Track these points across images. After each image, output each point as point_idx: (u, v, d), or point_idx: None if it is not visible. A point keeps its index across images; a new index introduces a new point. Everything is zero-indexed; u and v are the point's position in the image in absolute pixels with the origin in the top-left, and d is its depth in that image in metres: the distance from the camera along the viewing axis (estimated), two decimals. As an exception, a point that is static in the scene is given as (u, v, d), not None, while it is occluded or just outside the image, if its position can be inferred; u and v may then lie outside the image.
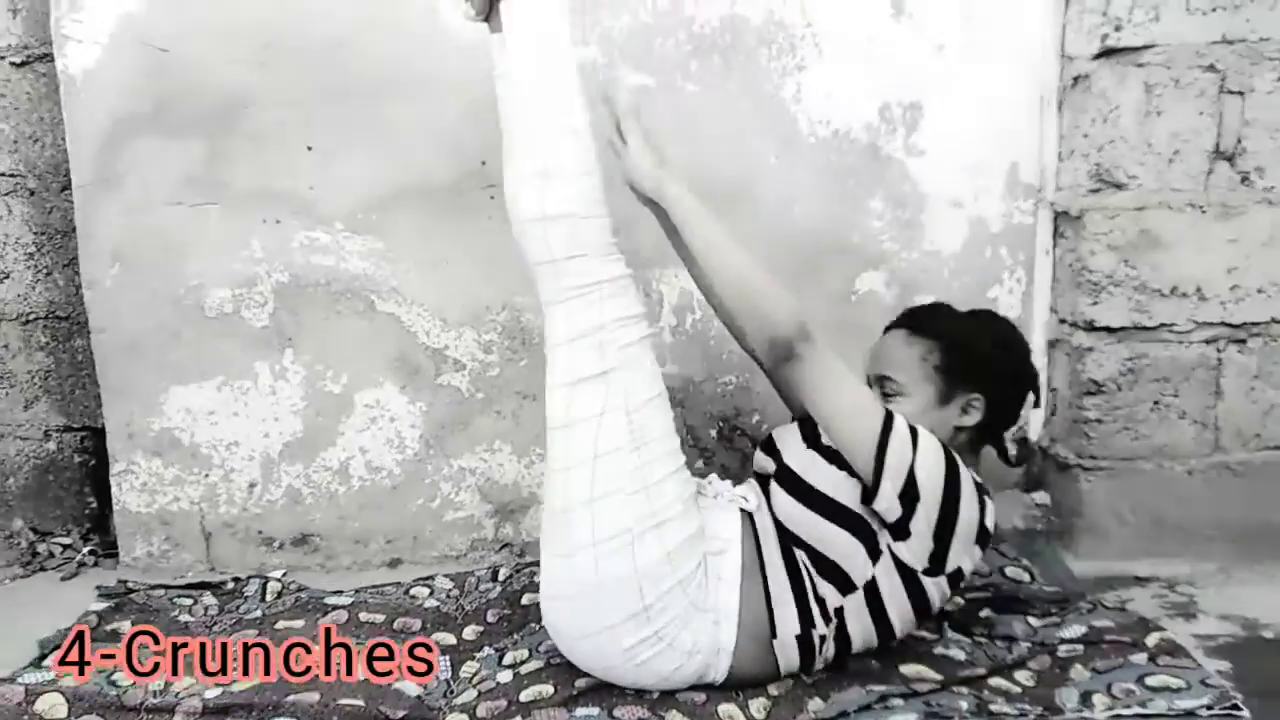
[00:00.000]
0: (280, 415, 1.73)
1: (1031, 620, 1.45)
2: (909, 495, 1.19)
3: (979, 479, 1.28)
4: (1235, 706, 1.23)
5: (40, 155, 1.78)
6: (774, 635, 1.25)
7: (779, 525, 1.28)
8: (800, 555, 1.26)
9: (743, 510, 1.31)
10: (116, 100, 1.63)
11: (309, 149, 1.67)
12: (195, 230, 1.68)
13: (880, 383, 1.35)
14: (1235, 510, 1.68)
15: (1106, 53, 1.62)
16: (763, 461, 1.39)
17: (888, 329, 1.41)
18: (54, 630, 1.49)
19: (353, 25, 1.63)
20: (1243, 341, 1.66)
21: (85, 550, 1.80)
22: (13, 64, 1.74)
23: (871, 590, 1.24)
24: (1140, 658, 1.32)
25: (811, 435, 1.33)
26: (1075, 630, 1.41)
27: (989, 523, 1.27)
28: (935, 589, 1.25)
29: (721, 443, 1.79)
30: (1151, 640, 1.36)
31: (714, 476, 1.39)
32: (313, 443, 1.74)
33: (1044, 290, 1.77)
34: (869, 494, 1.21)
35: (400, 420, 1.74)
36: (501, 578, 1.65)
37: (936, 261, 1.75)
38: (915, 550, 1.22)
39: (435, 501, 1.76)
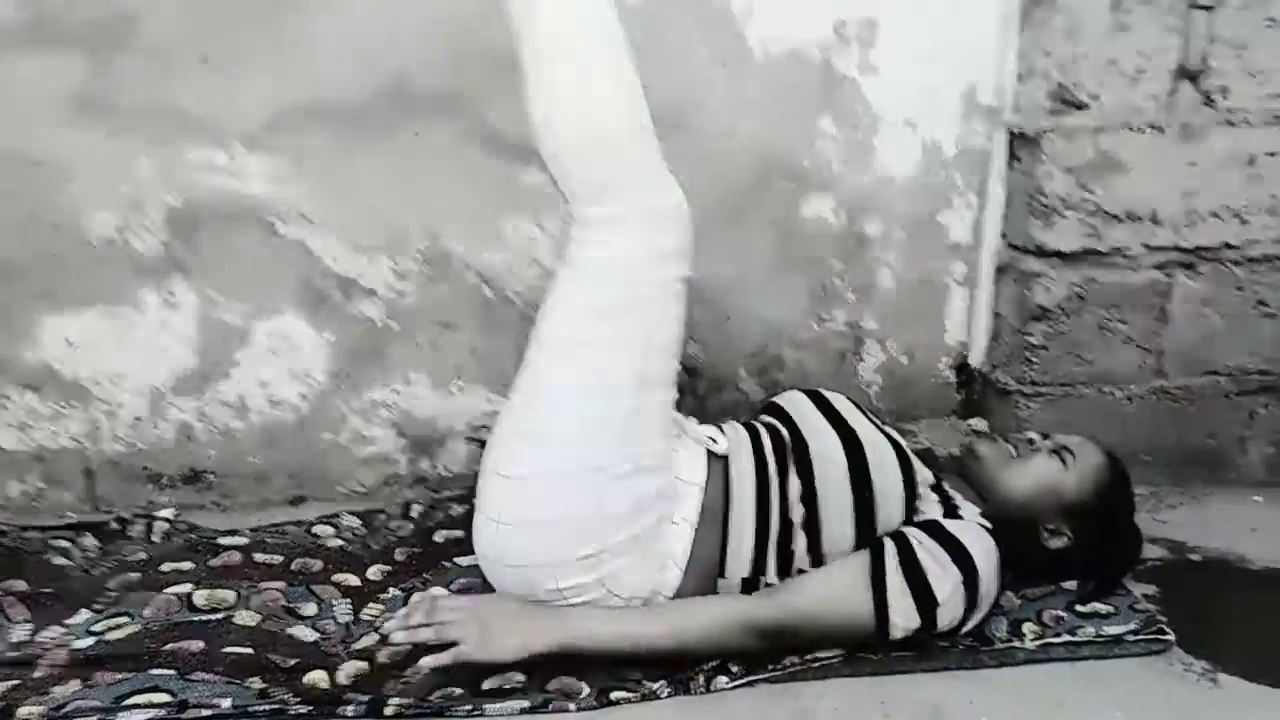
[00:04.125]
0: (169, 346, 1.57)
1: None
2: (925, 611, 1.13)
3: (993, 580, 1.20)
4: (1161, 631, 1.21)
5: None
6: (721, 575, 1.17)
7: (764, 474, 1.20)
8: (790, 513, 1.19)
9: (710, 452, 1.22)
10: (-11, 9, 1.44)
11: (204, 62, 1.49)
12: (77, 150, 1.49)
13: (1062, 447, 1.30)
14: (1170, 434, 1.66)
15: (1071, -38, 1.52)
16: (799, 403, 1.31)
17: (1103, 452, 1.33)
18: (-95, 579, 1.33)
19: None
20: (1192, 267, 1.61)
21: (-50, 491, 1.64)
22: None
23: None
24: (1071, 584, 1.30)
25: (831, 414, 1.26)
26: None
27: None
28: None
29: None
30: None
31: (675, 412, 1.28)
32: (207, 374, 1.59)
33: (995, 216, 1.69)
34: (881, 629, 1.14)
35: (305, 350, 1.60)
36: (414, 514, 1.53)
37: (888, 186, 1.66)
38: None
39: (343, 436, 1.63)
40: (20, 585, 1.32)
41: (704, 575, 1.17)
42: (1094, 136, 1.56)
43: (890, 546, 1.15)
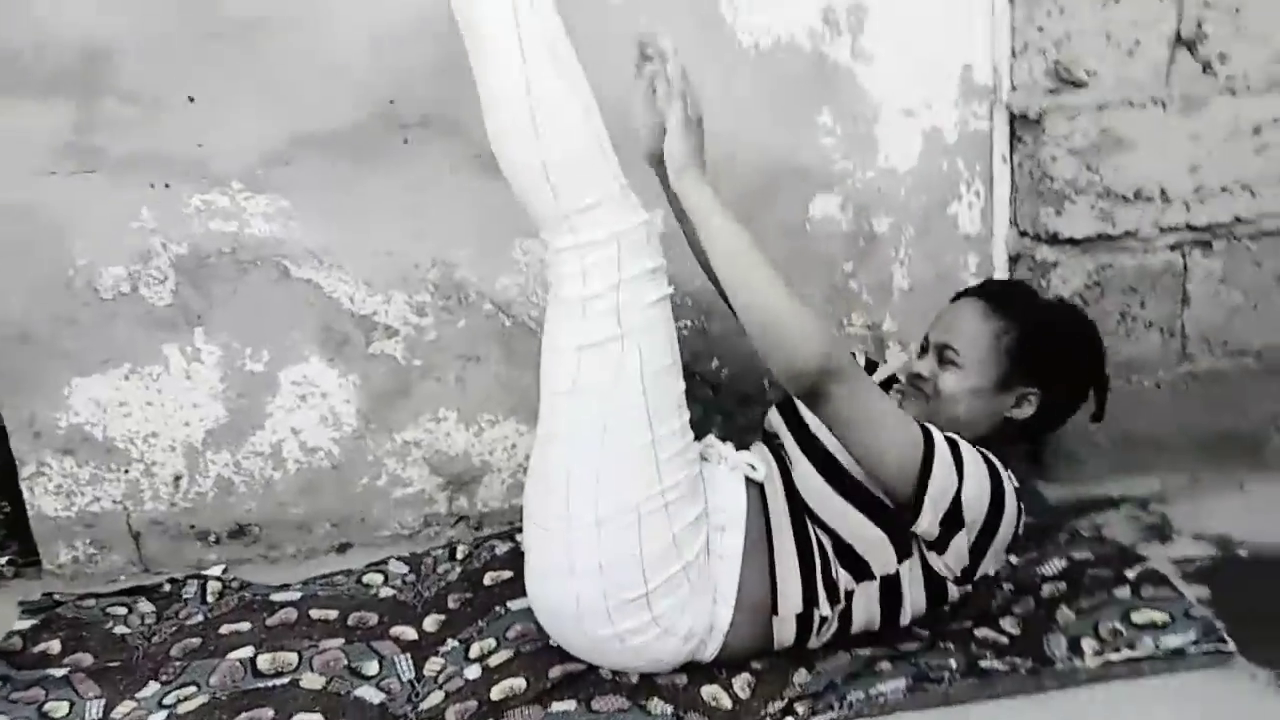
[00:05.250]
0: (199, 401, 1.58)
1: (1011, 558, 1.42)
2: (952, 520, 1.12)
3: (1015, 482, 1.20)
4: (1221, 639, 1.21)
5: (-118, 128, 1.54)
6: (775, 612, 1.18)
7: (795, 499, 1.19)
8: (820, 536, 1.18)
9: (749, 479, 1.23)
10: (-40, 61, 1.41)
11: (190, 100, 1.47)
12: (76, 203, 1.48)
13: (940, 350, 1.23)
14: (1202, 419, 1.66)
15: (1062, -63, 1.50)
16: (777, 424, 1.30)
17: (960, 296, 1.30)
18: (-26, 660, 1.37)
19: (221, -45, 1.42)
20: (1207, 244, 1.61)
21: (3, 560, 1.66)
22: None
23: (890, 583, 1.18)
24: (1123, 592, 1.30)
25: (798, 429, 1.25)
26: (1055, 566, 1.38)
27: (1020, 530, 1.21)
28: (956, 589, 1.20)
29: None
30: (1132, 572, 1.34)
31: (713, 437, 1.29)
32: (239, 427, 1.60)
33: (1003, 202, 1.68)
34: (907, 518, 1.13)
35: (333, 396, 1.61)
36: (460, 556, 1.56)
37: (892, 180, 1.65)
38: (949, 563, 1.16)
39: (381, 479, 1.65)
40: (87, 659, 1.36)
41: (756, 611, 1.18)
42: (1096, 114, 1.55)
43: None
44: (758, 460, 1.25)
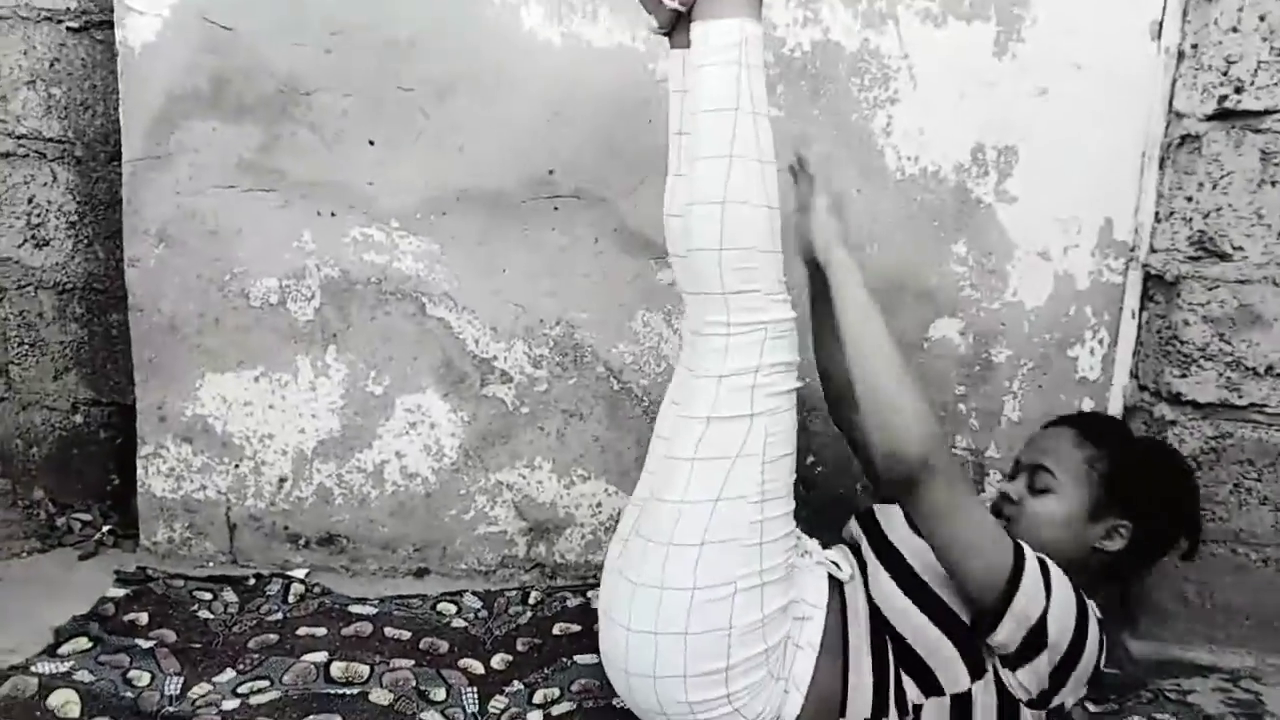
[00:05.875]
0: (318, 412, 1.67)
1: (1089, 706, 1.37)
2: (1033, 640, 1.10)
3: (1099, 614, 1.18)
4: None
5: (90, 124, 1.72)
6: (843, 713, 1.17)
7: (873, 606, 1.20)
8: (892, 645, 1.17)
9: (832, 577, 1.23)
10: (174, 76, 1.57)
11: (371, 143, 1.60)
12: (246, 216, 1.62)
13: (1032, 472, 1.25)
14: (1311, 607, 1.59)
15: (1222, 114, 1.52)
16: (857, 533, 1.31)
17: (1054, 423, 1.32)
18: (69, 618, 1.44)
19: (427, 19, 1.56)
20: (1338, 432, 1.56)
21: (105, 529, 1.76)
22: (70, 28, 1.69)
23: (962, 702, 1.15)
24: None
25: (879, 542, 1.26)
26: (1137, 725, 1.33)
27: (1101, 663, 1.18)
28: (1030, 717, 1.16)
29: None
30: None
31: (800, 531, 1.29)
32: (349, 443, 1.67)
33: (1126, 355, 1.68)
34: (984, 628, 1.12)
35: (440, 428, 1.67)
36: (532, 601, 1.58)
37: (1017, 314, 1.66)
38: (1025, 683, 1.13)
39: (469, 514, 1.70)
40: (171, 636, 1.42)
41: (825, 706, 1.17)
42: (1236, 288, 1.55)
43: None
44: (842, 560, 1.26)
